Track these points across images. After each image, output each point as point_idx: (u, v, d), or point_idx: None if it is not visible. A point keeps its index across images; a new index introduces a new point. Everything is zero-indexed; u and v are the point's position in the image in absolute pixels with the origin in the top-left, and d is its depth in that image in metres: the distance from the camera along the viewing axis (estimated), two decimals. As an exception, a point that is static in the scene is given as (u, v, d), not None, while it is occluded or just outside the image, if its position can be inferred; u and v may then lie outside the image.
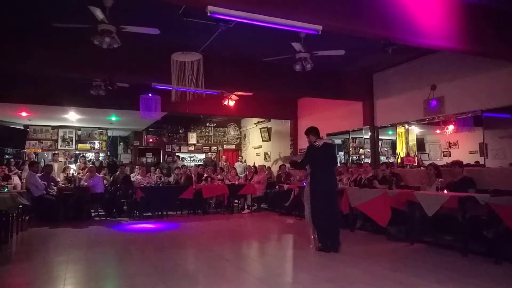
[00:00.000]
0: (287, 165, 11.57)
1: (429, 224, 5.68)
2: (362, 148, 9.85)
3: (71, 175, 10.14)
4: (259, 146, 15.01)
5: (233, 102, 10.49)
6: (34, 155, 12.79)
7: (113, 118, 12.12)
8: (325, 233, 5.22)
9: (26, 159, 11.68)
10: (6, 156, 11.81)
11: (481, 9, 5.24)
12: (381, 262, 4.77)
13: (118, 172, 9.75)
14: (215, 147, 16.25)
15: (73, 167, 11.88)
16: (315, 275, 4.26)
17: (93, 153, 13.73)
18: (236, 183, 10.44)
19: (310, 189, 5.35)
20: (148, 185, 9.40)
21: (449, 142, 8.54)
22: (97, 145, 14.15)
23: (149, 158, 15.21)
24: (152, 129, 15.05)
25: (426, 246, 5.60)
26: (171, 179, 10.49)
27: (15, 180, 8.29)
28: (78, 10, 5.06)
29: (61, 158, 12.84)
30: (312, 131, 5.58)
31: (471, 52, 5.88)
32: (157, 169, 10.94)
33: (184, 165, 11.81)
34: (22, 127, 12.90)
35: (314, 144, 5.41)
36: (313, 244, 5.37)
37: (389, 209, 5.96)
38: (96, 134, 14.18)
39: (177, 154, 15.37)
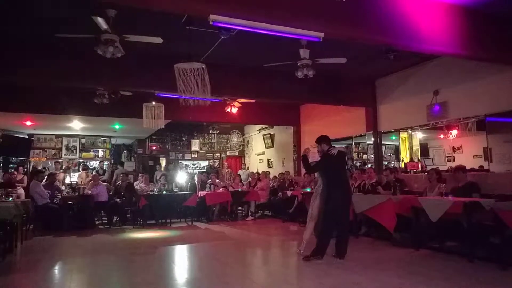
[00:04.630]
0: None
1: (434, 230, 5.64)
2: (366, 153, 9.83)
3: (74, 182, 10.15)
4: (262, 152, 15.01)
5: (236, 109, 10.51)
6: (41, 164, 12.85)
7: (117, 126, 12.18)
8: (328, 242, 5.15)
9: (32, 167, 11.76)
10: (11, 165, 11.87)
11: (481, 14, 5.26)
12: (386, 268, 4.73)
13: (116, 180, 9.65)
14: (219, 154, 16.27)
15: (75, 175, 11.94)
16: (320, 282, 4.23)
17: (97, 161, 13.76)
18: (239, 190, 10.44)
19: (325, 197, 5.23)
20: (152, 192, 9.41)
21: (453, 147, 8.53)
22: (100, 153, 14.20)
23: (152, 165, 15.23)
24: (155, 137, 15.08)
25: (432, 252, 5.55)
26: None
27: (19, 190, 8.34)
28: (81, 20, 5.11)
29: (65, 167, 12.89)
30: (324, 140, 5.45)
31: (472, 58, 5.89)
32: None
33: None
34: (27, 136, 12.98)
35: (330, 152, 5.31)
36: (302, 247, 5.38)
37: (395, 214, 5.92)
38: (99, 142, 14.24)
39: (180, 161, 15.39)
